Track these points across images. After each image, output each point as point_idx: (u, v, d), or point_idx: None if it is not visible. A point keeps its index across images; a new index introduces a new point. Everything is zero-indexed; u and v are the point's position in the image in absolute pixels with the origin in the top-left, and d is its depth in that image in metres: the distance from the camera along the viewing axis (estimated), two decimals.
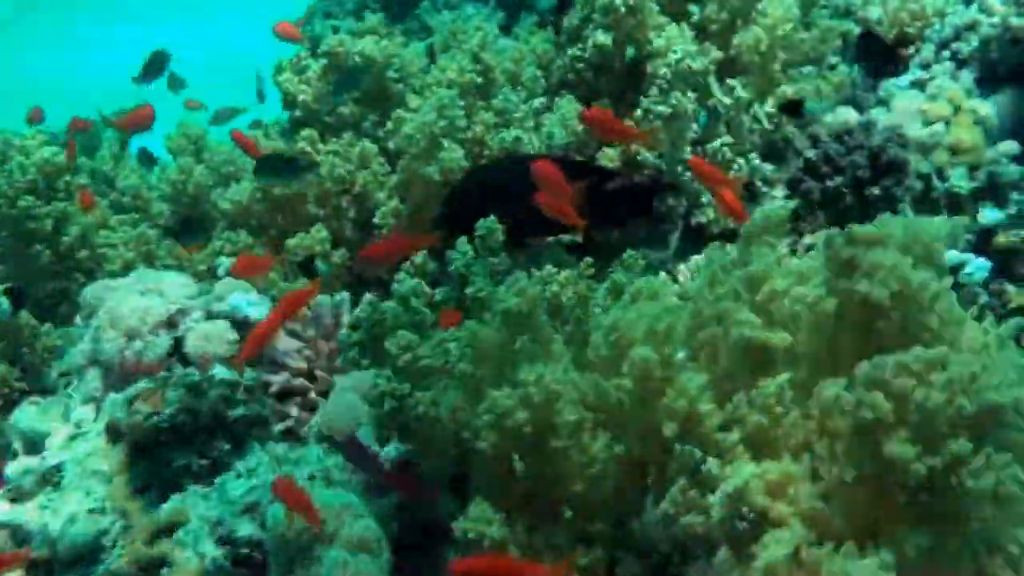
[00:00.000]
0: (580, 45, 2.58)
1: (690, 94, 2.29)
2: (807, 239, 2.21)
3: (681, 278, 2.23)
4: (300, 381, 2.04)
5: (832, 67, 2.53)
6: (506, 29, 3.26)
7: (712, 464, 1.17)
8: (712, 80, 2.37)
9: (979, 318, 1.22)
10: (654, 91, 2.31)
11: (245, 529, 1.67)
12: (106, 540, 1.73)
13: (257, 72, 4.04)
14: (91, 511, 1.77)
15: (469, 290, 1.91)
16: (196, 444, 1.82)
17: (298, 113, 2.73)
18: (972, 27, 2.41)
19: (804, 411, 1.17)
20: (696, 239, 2.34)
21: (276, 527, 1.51)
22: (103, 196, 2.99)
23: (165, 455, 1.81)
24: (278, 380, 2.03)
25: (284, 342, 2.08)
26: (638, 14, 2.46)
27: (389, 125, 2.52)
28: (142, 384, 1.87)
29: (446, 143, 2.35)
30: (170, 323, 2.08)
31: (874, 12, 2.60)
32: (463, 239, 1.97)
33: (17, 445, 2.00)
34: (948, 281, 1.16)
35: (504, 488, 1.35)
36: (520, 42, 2.90)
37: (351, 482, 1.73)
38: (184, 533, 1.67)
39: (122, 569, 1.66)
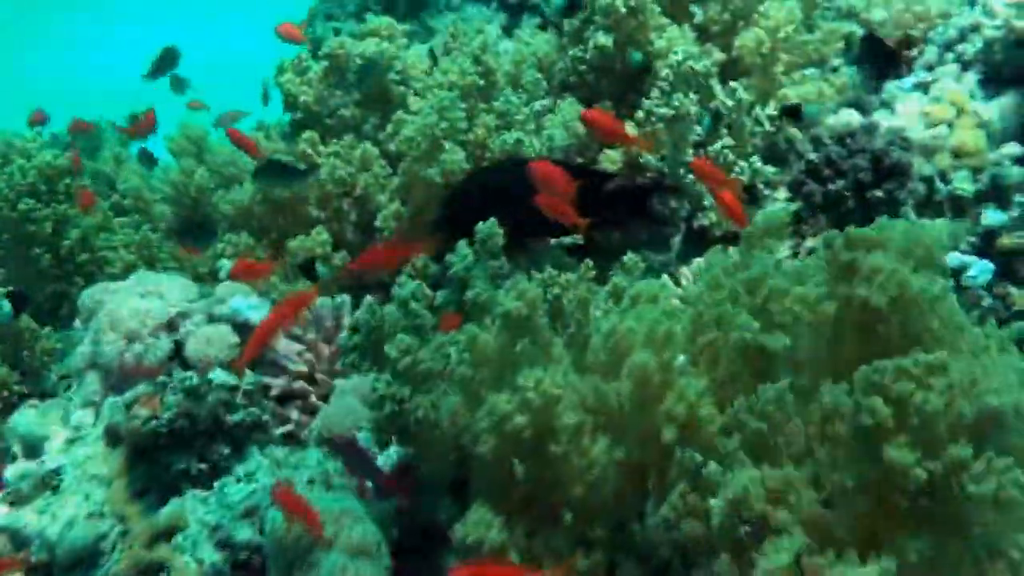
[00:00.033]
0: (581, 47, 2.58)
1: (692, 96, 2.28)
2: (809, 242, 2.20)
3: (683, 281, 2.23)
4: (300, 384, 2.04)
5: (835, 69, 2.52)
6: (508, 31, 3.26)
7: (712, 469, 1.16)
8: (714, 82, 2.37)
9: (981, 321, 1.21)
10: (656, 93, 2.30)
11: (244, 533, 1.66)
12: (105, 544, 1.73)
13: (265, 80, 4.05)
14: (90, 515, 1.77)
15: (469, 293, 1.90)
16: (195, 448, 1.81)
17: (299, 114, 2.73)
18: (976, 29, 2.40)
19: (805, 416, 1.16)
20: (698, 242, 2.33)
21: (275, 531, 1.51)
22: (105, 198, 2.99)
23: (164, 459, 1.81)
24: (279, 383, 2.03)
25: (284, 345, 2.07)
26: (639, 15, 2.45)
27: (390, 127, 2.52)
28: (141, 388, 1.87)
29: (447, 145, 2.35)
30: (170, 326, 2.07)
31: (877, 14, 2.59)
32: (463, 242, 1.97)
33: (16, 449, 1.99)
34: (949, 285, 1.15)
35: (504, 492, 1.34)
36: (521, 44, 2.89)
37: (351, 486, 1.72)
38: (183, 537, 1.67)
39: (121, 573, 1.66)
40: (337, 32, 3.32)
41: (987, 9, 2.38)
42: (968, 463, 0.99)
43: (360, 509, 1.55)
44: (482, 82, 2.50)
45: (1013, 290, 2.06)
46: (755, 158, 2.37)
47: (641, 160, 2.36)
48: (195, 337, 2.03)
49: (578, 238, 2.30)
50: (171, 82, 3.51)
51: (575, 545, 1.29)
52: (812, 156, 2.29)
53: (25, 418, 2.02)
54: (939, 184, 2.21)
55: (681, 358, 1.32)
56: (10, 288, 2.50)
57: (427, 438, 1.51)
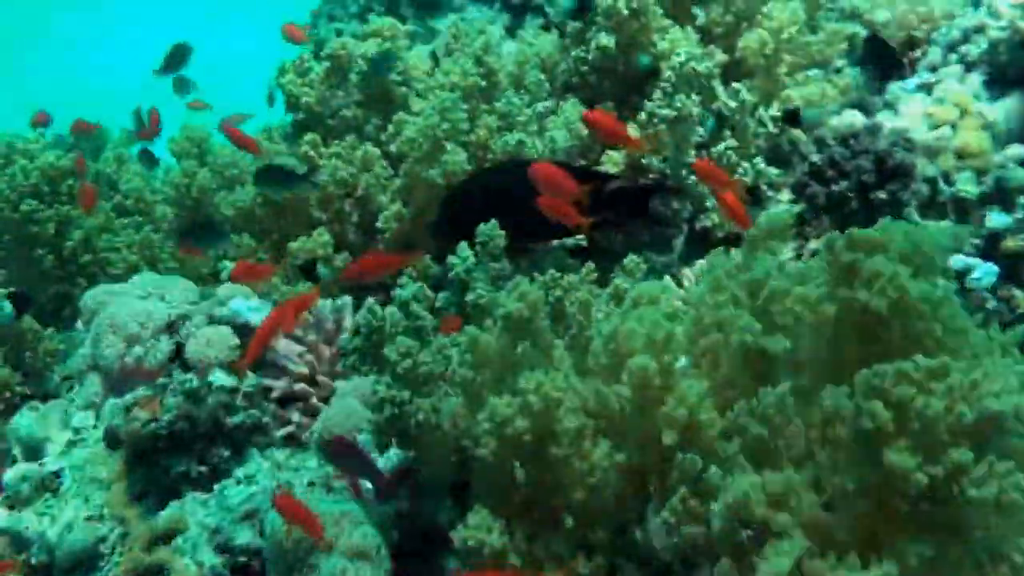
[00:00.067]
0: (583, 48, 2.57)
1: (694, 97, 2.27)
2: (812, 244, 2.20)
3: (686, 282, 2.22)
4: (301, 386, 2.03)
5: (838, 70, 2.51)
6: (511, 32, 3.25)
7: (713, 473, 1.16)
8: (716, 83, 2.36)
9: (985, 324, 1.21)
10: (658, 94, 2.29)
11: (243, 537, 1.66)
12: (104, 547, 1.73)
13: (269, 81, 4.06)
14: (89, 518, 1.77)
15: (470, 295, 1.90)
16: (195, 450, 1.81)
17: (301, 115, 2.72)
18: (980, 30, 2.39)
19: (806, 419, 1.15)
20: (701, 243, 2.33)
21: (275, 534, 1.50)
22: (107, 200, 2.99)
23: (163, 462, 1.80)
24: (280, 385, 2.02)
25: (285, 346, 2.07)
26: (642, 17, 2.45)
27: (391, 128, 2.51)
28: (140, 390, 1.86)
29: (449, 146, 2.34)
30: (171, 328, 2.07)
31: (881, 15, 2.58)
32: (464, 244, 1.96)
33: (16, 451, 1.99)
34: (951, 288, 1.15)
35: (504, 495, 1.34)
36: (525, 45, 2.89)
37: (349, 489, 1.72)
38: (182, 540, 1.67)
39: None
40: (340, 33, 3.32)
41: (992, 10, 2.38)
42: (969, 467, 0.98)
43: (360, 512, 1.55)
44: (484, 83, 2.49)
45: (1017, 293, 2.05)
46: (758, 159, 2.36)
47: (643, 161, 2.36)
48: (195, 339, 2.03)
49: (580, 239, 2.30)
50: (174, 84, 3.50)
51: (576, 549, 1.29)
52: (815, 157, 2.28)
53: (26, 420, 2.01)
54: (943, 186, 2.20)
55: (683, 360, 1.32)
56: (12, 289, 2.49)
57: (427, 441, 1.51)
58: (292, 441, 1.97)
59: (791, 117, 2.31)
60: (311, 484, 1.74)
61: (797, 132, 2.39)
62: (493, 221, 1.99)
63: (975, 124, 2.24)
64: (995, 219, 2.13)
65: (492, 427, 1.28)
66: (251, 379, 1.95)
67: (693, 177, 2.29)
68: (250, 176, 2.69)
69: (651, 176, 2.35)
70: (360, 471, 1.66)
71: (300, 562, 1.47)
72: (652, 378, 1.21)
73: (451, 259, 1.97)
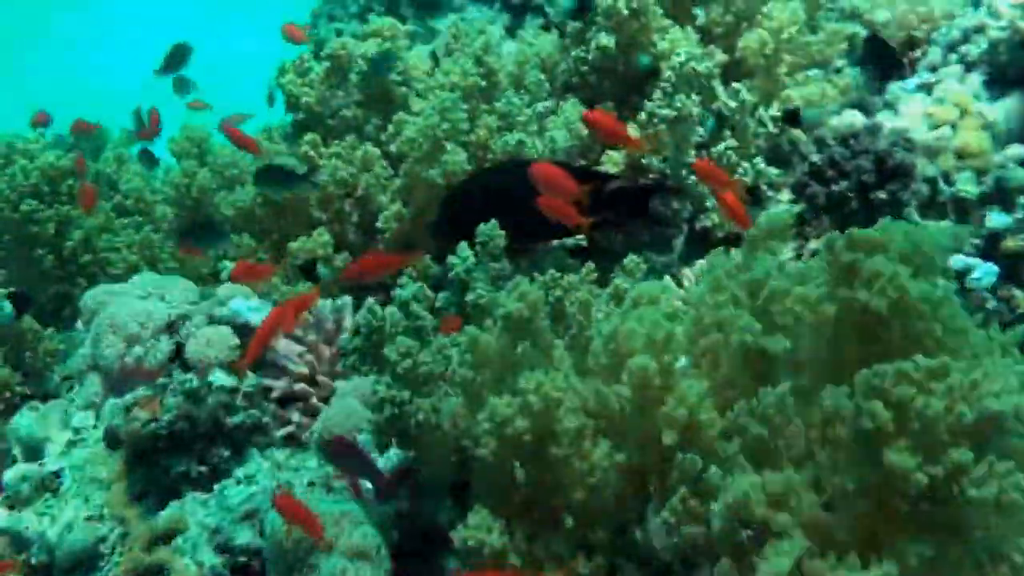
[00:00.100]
0: (583, 47, 2.57)
1: (694, 97, 2.27)
2: (812, 244, 2.19)
3: (686, 282, 2.22)
4: (301, 386, 2.03)
5: (838, 70, 2.51)
6: (511, 32, 3.25)
7: (713, 473, 1.16)
8: (716, 83, 2.36)
9: (985, 324, 1.21)
10: (658, 94, 2.29)
11: (243, 537, 1.66)
12: (104, 547, 1.73)
13: (270, 81, 4.06)
14: (89, 518, 1.77)
15: (470, 295, 1.90)
16: (195, 450, 1.81)
17: (301, 115, 2.72)
18: (981, 30, 2.39)
19: (806, 419, 1.15)
20: (701, 243, 2.33)
21: (275, 534, 1.50)
22: (107, 200, 2.98)
23: (163, 462, 1.80)
24: (280, 385, 2.02)
25: (285, 346, 2.06)
26: (641, 17, 2.45)
27: (391, 128, 2.51)
28: (140, 390, 1.86)
29: (449, 146, 2.34)
30: (171, 328, 2.07)
31: (881, 15, 2.58)
32: (464, 244, 1.96)
33: (16, 451, 1.99)
34: (951, 288, 1.15)
35: (504, 495, 1.33)
36: (525, 45, 2.89)
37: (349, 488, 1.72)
38: (182, 540, 1.67)
39: None
40: (340, 33, 3.32)
41: (992, 10, 2.38)
42: (969, 467, 0.98)
43: (360, 512, 1.55)
44: (484, 83, 2.49)
45: (1017, 293, 2.05)
46: (758, 159, 2.36)
47: (643, 161, 2.36)
48: (195, 339, 2.03)
49: (580, 239, 2.30)
50: (174, 84, 3.50)
51: (576, 549, 1.29)
52: (815, 158, 2.28)
53: (26, 420, 2.01)
54: (943, 186, 2.20)
55: (683, 360, 1.32)
56: (12, 289, 2.49)
57: (427, 441, 1.51)
58: (292, 441, 1.97)
59: (791, 117, 2.31)
60: (311, 484, 1.74)
61: (797, 132, 2.39)
62: (493, 221, 1.99)
63: (975, 124, 2.24)
64: (995, 219, 2.13)
65: (492, 427, 1.28)
66: (251, 379, 1.95)
67: (693, 177, 2.29)
68: (250, 176, 2.69)
69: (651, 176, 2.35)
70: (360, 471, 1.66)
71: (300, 562, 1.47)
72: (652, 378, 1.21)
73: (451, 259, 1.97)
